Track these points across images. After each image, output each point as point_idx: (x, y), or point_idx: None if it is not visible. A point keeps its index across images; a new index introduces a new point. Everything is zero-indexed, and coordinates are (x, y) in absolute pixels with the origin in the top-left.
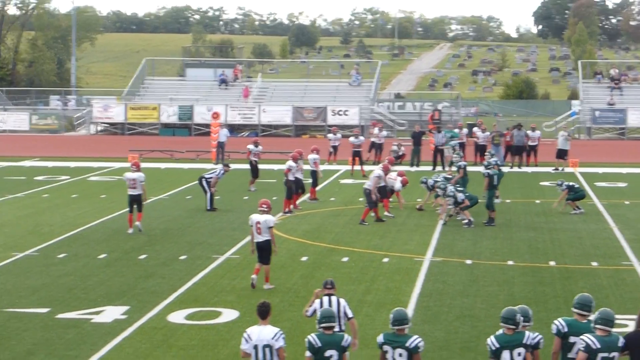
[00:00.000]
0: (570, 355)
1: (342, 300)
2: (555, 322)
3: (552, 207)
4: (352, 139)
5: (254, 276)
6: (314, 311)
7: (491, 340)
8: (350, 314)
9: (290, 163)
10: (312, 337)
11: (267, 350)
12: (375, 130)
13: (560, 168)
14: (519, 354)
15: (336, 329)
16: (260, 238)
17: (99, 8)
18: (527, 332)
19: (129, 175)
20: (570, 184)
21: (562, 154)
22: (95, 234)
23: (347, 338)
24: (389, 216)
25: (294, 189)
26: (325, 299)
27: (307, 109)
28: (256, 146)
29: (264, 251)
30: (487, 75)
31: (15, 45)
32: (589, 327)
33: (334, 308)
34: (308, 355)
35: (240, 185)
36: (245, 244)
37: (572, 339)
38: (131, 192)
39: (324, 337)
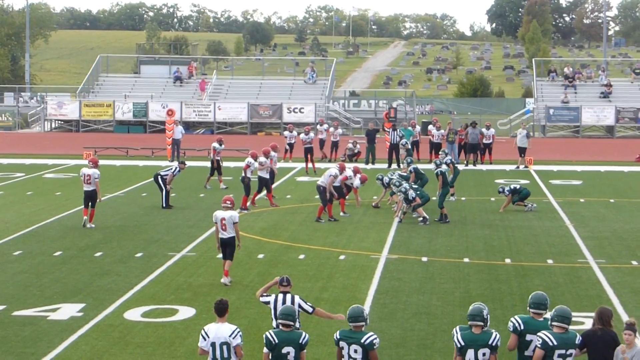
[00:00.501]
0: (526, 353)
1: (296, 297)
2: (512, 319)
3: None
4: (302, 135)
5: (224, 279)
6: (268, 303)
7: (457, 337)
8: (309, 309)
9: (249, 160)
10: (270, 334)
11: (224, 347)
12: (324, 127)
13: (519, 166)
14: (484, 354)
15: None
16: (225, 234)
17: (53, 5)
18: (493, 333)
19: (84, 170)
20: (512, 187)
21: (521, 152)
22: (51, 231)
23: (305, 336)
24: (345, 216)
25: (258, 186)
26: (280, 296)
27: (262, 106)
28: (220, 144)
29: (228, 247)
30: (441, 73)
31: None
32: (545, 324)
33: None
34: (265, 352)
35: (196, 183)
36: (201, 241)
37: (528, 337)
38: (85, 187)
39: (282, 334)
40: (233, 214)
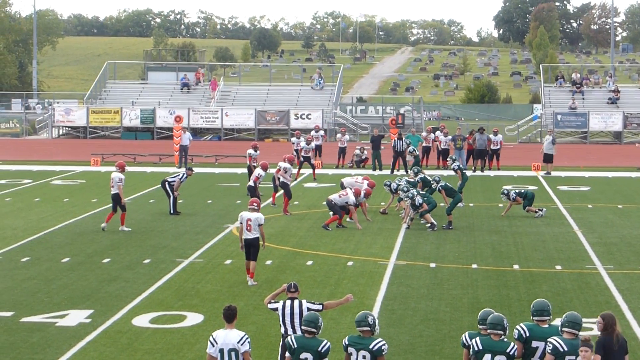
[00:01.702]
0: None
1: (304, 302)
2: (517, 327)
3: (501, 215)
4: (302, 143)
5: (251, 281)
6: (276, 309)
7: (475, 341)
8: (319, 307)
9: (259, 172)
10: (291, 338)
11: (232, 354)
12: (320, 133)
13: (548, 172)
14: None
15: (292, 330)
16: (249, 235)
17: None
18: (512, 343)
19: (112, 174)
20: (518, 190)
21: (547, 159)
22: (59, 237)
23: (325, 344)
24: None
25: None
26: (288, 302)
27: (270, 112)
28: (255, 150)
29: (252, 248)
30: (448, 79)
31: None
32: (550, 331)
33: (296, 311)
34: (287, 356)
35: (203, 189)
36: (209, 247)
37: (534, 344)
38: (112, 191)
39: (302, 340)
40: (259, 215)
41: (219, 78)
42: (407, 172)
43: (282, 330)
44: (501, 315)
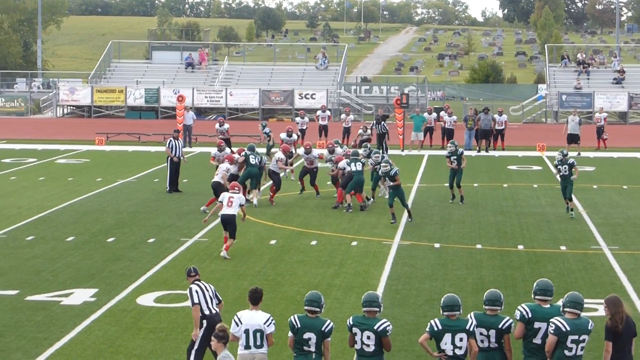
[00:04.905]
0: (535, 341)
1: (211, 286)
2: (519, 308)
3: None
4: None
5: (224, 253)
6: (198, 302)
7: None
8: (220, 298)
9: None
10: (294, 318)
11: (257, 334)
12: (326, 113)
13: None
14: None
15: (211, 311)
16: (229, 211)
17: None
18: (505, 318)
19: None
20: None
21: (573, 139)
22: (63, 216)
23: (328, 323)
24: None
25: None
26: (195, 286)
27: (274, 92)
28: (289, 136)
29: (229, 225)
30: (453, 59)
31: None
32: (552, 311)
33: (209, 291)
34: (290, 336)
35: (207, 169)
36: (214, 227)
37: (536, 325)
38: (214, 178)
39: (305, 320)
40: (241, 196)
41: (223, 58)
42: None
43: (201, 314)
44: (498, 291)
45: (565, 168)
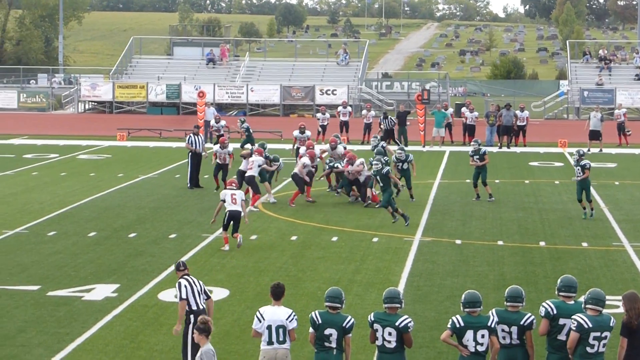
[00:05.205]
0: (559, 337)
1: (200, 281)
2: (544, 304)
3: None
4: (319, 114)
5: (227, 247)
6: (185, 297)
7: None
8: (209, 293)
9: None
10: (315, 314)
11: (280, 330)
12: (347, 109)
13: (589, 150)
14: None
15: (198, 306)
16: (234, 207)
17: None
18: (527, 314)
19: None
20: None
21: (595, 136)
22: (85, 212)
23: (349, 320)
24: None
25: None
26: (183, 280)
27: (295, 88)
28: (302, 132)
29: (235, 220)
30: (474, 55)
31: (2, 23)
32: (576, 308)
33: (197, 287)
34: (311, 332)
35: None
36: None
37: (561, 321)
38: (248, 172)
39: (326, 316)
40: (241, 192)
41: (244, 54)
42: (405, 144)
43: (188, 308)
44: (519, 288)
45: (578, 170)
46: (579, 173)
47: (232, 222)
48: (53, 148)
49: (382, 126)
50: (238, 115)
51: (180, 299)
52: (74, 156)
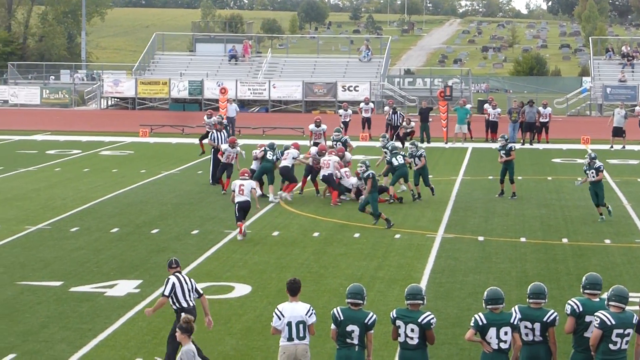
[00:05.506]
0: (585, 335)
1: (192, 279)
2: (570, 302)
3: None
4: (341, 111)
5: (240, 236)
6: (172, 290)
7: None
8: (201, 291)
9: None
10: (337, 310)
11: (300, 326)
12: (370, 105)
13: (612, 146)
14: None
15: (188, 304)
16: (242, 198)
17: None
18: (550, 311)
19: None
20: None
21: (618, 132)
22: (107, 208)
23: (371, 316)
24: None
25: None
26: (173, 277)
27: (317, 84)
28: (318, 126)
29: (244, 210)
30: (497, 52)
31: (25, 19)
32: (602, 305)
33: (187, 285)
34: (333, 328)
35: (251, 161)
36: (257, 218)
37: (587, 318)
38: (282, 162)
39: (348, 312)
40: (251, 182)
41: (266, 50)
42: (403, 145)
43: (178, 305)
44: (542, 284)
45: (592, 173)
46: (594, 176)
47: (241, 211)
48: (76, 144)
49: (387, 117)
50: (260, 111)
51: (163, 295)
52: (96, 152)
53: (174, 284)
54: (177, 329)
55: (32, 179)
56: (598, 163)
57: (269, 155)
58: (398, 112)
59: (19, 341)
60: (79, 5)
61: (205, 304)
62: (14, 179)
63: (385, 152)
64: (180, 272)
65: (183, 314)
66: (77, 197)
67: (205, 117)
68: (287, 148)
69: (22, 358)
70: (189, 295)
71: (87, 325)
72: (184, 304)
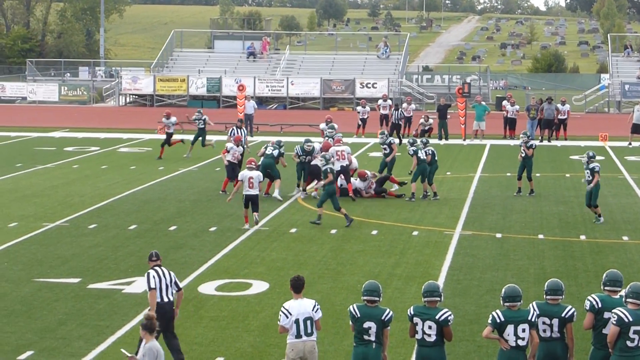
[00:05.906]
0: (604, 331)
1: (172, 272)
2: (589, 298)
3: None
4: (359, 108)
5: (247, 225)
6: (154, 287)
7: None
8: (180, 285)
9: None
10: (354, 307)
11: (308, 322)
12: (387, 102)
13: (631, 143)
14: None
15: (162, 299)
16: (251, 191)
17: None
18: (567, 307)
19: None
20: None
21: (637, 129)
22: (125, 204)
23: (388, 312)
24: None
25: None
26: (152, 271)
27: (335, 81)
28: (327, 124)
29: (252, 203)
30: (515, 49)
31: (44, 16)
32: (621, 302)
33: (166, 278)
34: (351, 324)
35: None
36: (275, 215)
37: (606, 315)
38: (313, 161)
39: (365, 309)
40: (259, 173)
41: (284, 47)
42: (401, 142)
43: (159, 300)
44: (559, 281)
45: (587, 173)
46: (588, 176)
47: (250, 203)
48: (94, 141)
49: (390, 117)
50: (278, 108)
51: (150, 288)
52: (114, 149)
53: (154, 277)
54: (140, 326)
55: (50, 175)
56: (594, 163)
57: (269, 150)
58: (400, 109)
59: (37, 338)
60: (98, 2)
61: (180, 298)
62: (32, 176)
63: (385, 149)
64: (159, 266)
65: (145, 312)
66: (95, 194)
67: (163, 118)
68: (313, 149)
69: (39, 355)
70: (167, 290)
71: (105, 322)
72: (159, 299)
